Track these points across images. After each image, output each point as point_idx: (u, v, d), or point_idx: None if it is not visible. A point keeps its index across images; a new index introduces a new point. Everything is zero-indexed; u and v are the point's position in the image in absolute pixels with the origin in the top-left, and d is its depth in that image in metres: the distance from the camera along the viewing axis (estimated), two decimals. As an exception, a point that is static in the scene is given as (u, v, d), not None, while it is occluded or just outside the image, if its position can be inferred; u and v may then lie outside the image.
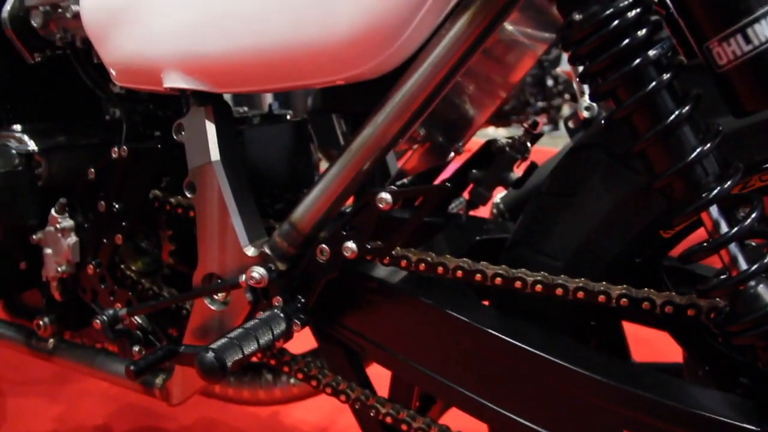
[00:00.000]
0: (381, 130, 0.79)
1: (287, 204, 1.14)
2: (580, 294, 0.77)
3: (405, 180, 1.12)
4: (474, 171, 1.15)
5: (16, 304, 1.27)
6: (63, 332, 1.19)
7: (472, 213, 1.19)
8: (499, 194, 1.43)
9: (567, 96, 4.22)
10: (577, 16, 0.67)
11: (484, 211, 1.24)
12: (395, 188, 0.77)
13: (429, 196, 0.76)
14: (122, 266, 1.08)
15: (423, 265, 0.82)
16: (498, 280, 0.80)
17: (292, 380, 1.16)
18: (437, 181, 1.16)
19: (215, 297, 0.93)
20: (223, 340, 0.77)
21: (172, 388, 1.04)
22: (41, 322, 1.15)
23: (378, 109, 0.79)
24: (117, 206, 1.01)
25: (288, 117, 1.24)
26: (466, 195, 1.18)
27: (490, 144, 1.15)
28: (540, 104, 4.23)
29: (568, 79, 4.21)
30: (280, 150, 1.14)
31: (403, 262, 0.83)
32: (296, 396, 1.20)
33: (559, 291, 0.78)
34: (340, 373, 0.94)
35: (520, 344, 0.80)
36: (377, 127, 0.79)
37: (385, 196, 0.77)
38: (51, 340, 1.19)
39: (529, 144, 1.15)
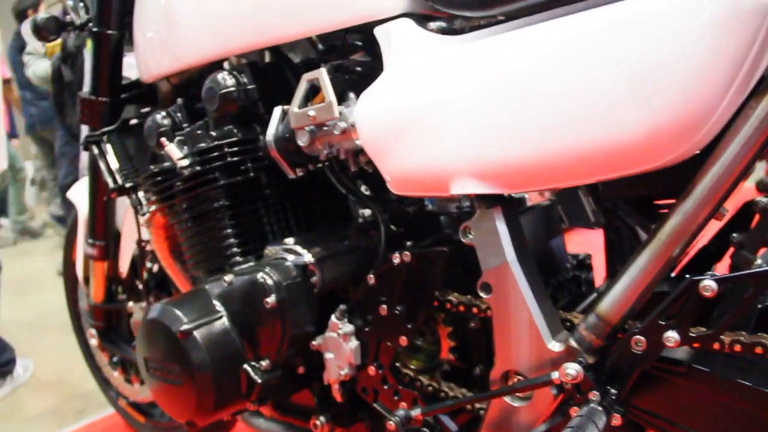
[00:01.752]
0: (690, 216, 0.78)
1: (554, 289, 1.14)
2: None
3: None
4: (735, 234, 1.12)
5: (285, 403, 1.32)
6: (335, 430, 1.23)
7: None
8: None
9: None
10: None
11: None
12: (718, 275, 0.75)
13: (761, 281, 0.74)
14: (398, 364, 1.11)
15: (738, 346, 0.80)
16: (834, 354, 0.76)
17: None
18: (695, 248, 1.13)
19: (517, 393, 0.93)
20: (558, 442, 0.77)
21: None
22: (318, 422, 1.20)
23: (685, 196, 0.78)
24: (400, 309, 1.04)
25: (527, 201, 1.25)
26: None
27: (752, 204, 1.11)
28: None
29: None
30: (538, 236, 1.15)
31: (716, 345, 0.80)
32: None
33: None
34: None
35: None
36: (686, 214, 0.78)
37: (711, 283, 0.75)
38: (327, 439, 1.23)
39: (795, 199, 1.10)
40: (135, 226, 1.61)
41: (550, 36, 0.80)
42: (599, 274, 1.25)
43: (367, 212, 1.26)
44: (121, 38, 1.51)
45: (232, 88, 1.17)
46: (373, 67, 1.05)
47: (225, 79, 1.18)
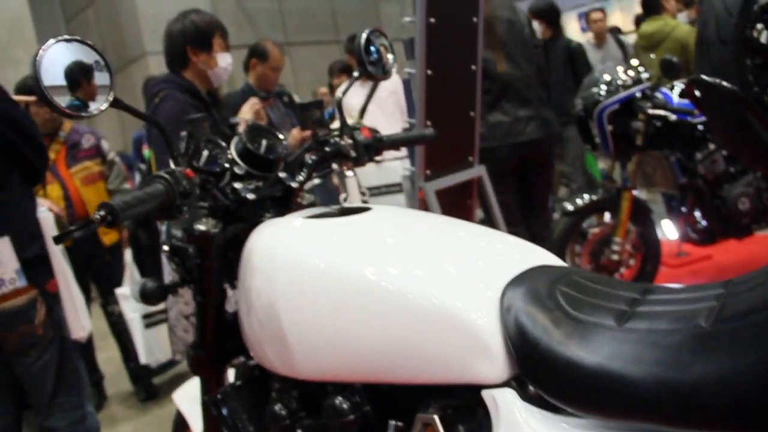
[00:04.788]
0: None
1: None
2: None
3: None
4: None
5: None
6: None
7: None
8: None
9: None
10: None
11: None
12: None
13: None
14: None
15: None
16: None
17: None
18: None
19: None
20: None
21: None
22: None
23: None
24: None
25: None
26: None
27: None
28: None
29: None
30: None
31: None
32: None
33: None
34: None
35: None
36: None
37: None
38: None
39: None
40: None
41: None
42: None
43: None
44: (223, 300, 1.65)
45: (351, 416, 1.31)
46: (480, 415, 1.17)
47: (343, 404, 1.31)
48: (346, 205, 1.64)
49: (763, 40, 2.54)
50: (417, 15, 2.68)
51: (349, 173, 2.17)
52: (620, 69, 3.92)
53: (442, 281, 1.20)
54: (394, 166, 4.88)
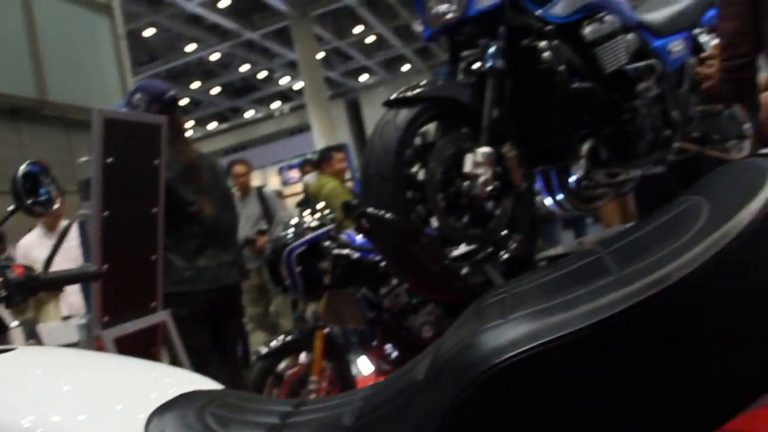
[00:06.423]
0: None
1: None
2: None
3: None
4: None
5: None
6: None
7: None
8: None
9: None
10: None
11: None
12: None
13: None
14: None
15: None
16: None
17: None
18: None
19: None
20: None
21: None
22: None
23: None
24: None
25: None
26: None
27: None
28: None
29: None
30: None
31: None
32: None
33: None
34: None
35: None
36: None
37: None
38: None
39: None
40: None
41: None
42: None
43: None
44: None
45: None
46: None
47: None
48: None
49: (420, 177, 2.83)
50: (93, 154, 2.61)
51: (14, 323, 1.98)
52: (307, 212, 4.12)
53: (85, 421, 1.12)
54: (83, 322, 4.58)
